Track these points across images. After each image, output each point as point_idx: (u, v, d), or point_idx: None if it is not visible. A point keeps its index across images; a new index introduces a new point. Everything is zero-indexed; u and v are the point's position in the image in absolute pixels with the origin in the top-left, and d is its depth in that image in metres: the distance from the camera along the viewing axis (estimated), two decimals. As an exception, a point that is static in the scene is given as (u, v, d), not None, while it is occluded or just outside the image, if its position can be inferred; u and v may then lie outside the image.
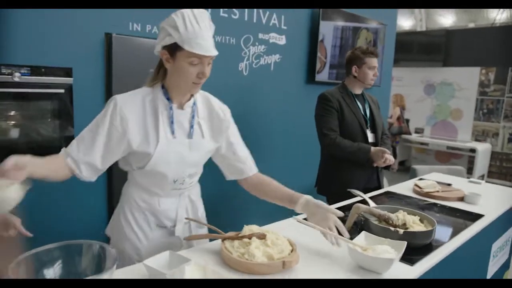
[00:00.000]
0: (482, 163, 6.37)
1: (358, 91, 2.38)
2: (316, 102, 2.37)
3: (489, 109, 6.61)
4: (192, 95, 1.36)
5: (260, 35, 2.88)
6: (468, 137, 6.81)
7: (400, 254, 1.16)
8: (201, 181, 2.75)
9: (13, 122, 1.94)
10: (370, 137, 2.36)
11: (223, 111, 1.45)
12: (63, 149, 1.27)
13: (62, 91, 2.04)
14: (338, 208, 1.79)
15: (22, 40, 1.88)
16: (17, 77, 1.89)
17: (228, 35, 2.69)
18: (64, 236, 1.00)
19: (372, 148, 2.18)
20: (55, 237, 0.99)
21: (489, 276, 1.95)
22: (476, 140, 6.74)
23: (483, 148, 6.34)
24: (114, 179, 2.24)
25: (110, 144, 1.25)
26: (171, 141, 1.29)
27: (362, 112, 2.35)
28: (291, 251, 1.19)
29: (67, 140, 2.08)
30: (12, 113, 1.94)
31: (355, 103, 2.34)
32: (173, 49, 1.19)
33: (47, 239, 0.97)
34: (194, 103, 1.37)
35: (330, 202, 2.31)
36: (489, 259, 1.91)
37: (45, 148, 2.03)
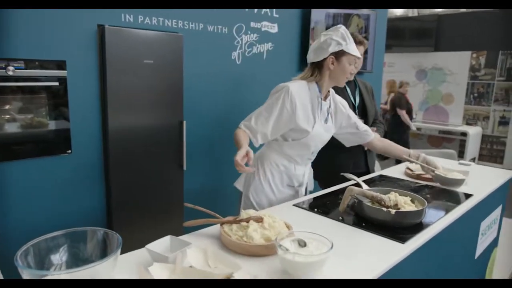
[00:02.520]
0: (473, 147, 6.48)
1: None
2: None
3: (479, 93, 6.68)
4: (329, 92, 1.85)
5: (252, 24, 2.89)
6: (459, 121, 6.90)
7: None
8: (201, 175, 2.80)
9: (8, 116, 1.95)
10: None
11: (343, 104, 1.96)
12: (241, 123, 1.74)
13: (56, 84, 2.05)
14: (332, 192, 1.86)
15: (15, 34, 1.89)
16: (11, 70, 1.89)
17: (220, 24, 2.70)
18: (66, 227, 1.03)
19: None
20: (57, 229, 1.02)
21: (478, 253, 2.03)
22: (467, 124, 6.83)
23: (474, 132, 6.43)
24: (111, 174, 2.27)
25: (280, 121, 1.71)
26: (319, 124, 1.79)
27: (352, 98, 2.39)
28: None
29: (64, 132, 2.10)
30: (7, 107, 1.95)
31: (345, 90, 2.38)
32: (339, 54, 1.70)
33: (50, 231, 1.00)
34: (331, 98, 1.87)
35: (322, 186, 2.37)
36: (478, 237, 1.98)
37: (41, 141, 2.05)
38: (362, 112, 2.45)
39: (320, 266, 1.02)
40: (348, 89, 2.40)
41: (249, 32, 2.88)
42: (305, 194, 1.99)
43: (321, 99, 1.78)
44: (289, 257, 1.01)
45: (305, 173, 1.94)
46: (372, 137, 2.05)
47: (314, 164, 2.52)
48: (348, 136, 2.05)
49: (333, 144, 2.30)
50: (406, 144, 5.48)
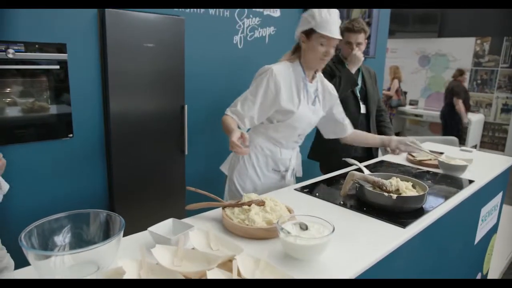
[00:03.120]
0: (474, 134, 6.46)
1: None
2: None
3: (483, 80, 6.63)
4: (315, 72, 1.80)
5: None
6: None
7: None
8: (202, 159, 2.79)
9: (8, 99, 1.94)
10: (362, 107, 2.43)
11: (332, 88, 1.93)
12: (228, 110, 1.70)
13: (57, 67, 2.04)
14: (334, 177, 1.86)
15: (15, 16, 1.86)
16: (11, 53, 1.88)
17: (221, 9, 2.66)
18: (69, 210, 1.04)
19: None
20: (60, 211, 1.02)
21: (477, 239, 2.04)
22: (470, 111, 6.80)
23: (476, 119, 6.40)
24: (113, 158, 2.27)
25: (265, 103, 1.68)
26: (305, 105, 1.74)
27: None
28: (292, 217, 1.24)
29: (65, 117, 2.10)
30: (8, 90, 1.94)
31: None
32: (309, 33, 1.63)
33: (53, 213, 1.01)
34: (317, 79, 1.82)
35: (323, 171, 2.38)
36: (478, 223, 1.99)
37: (42, 125, 2.04)
38: (364, 97, 2.44)
39: (321, 249, 1.03)
40: None
41: (251, 16, 2.84)
42: (293, 180, 1.98)
43: (306, 80, 1.75)
44: (291, 240, 1.02)
45: (291, 157, 1.89)
46: (350, 132, 2.05)
47: (316, 148, 2.54)
48: (329, 126, 2.03)
49: None
50: (459, 136, 5.02)
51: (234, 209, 1.26)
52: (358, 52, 2.26)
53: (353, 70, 2.31)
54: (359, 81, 2.42)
